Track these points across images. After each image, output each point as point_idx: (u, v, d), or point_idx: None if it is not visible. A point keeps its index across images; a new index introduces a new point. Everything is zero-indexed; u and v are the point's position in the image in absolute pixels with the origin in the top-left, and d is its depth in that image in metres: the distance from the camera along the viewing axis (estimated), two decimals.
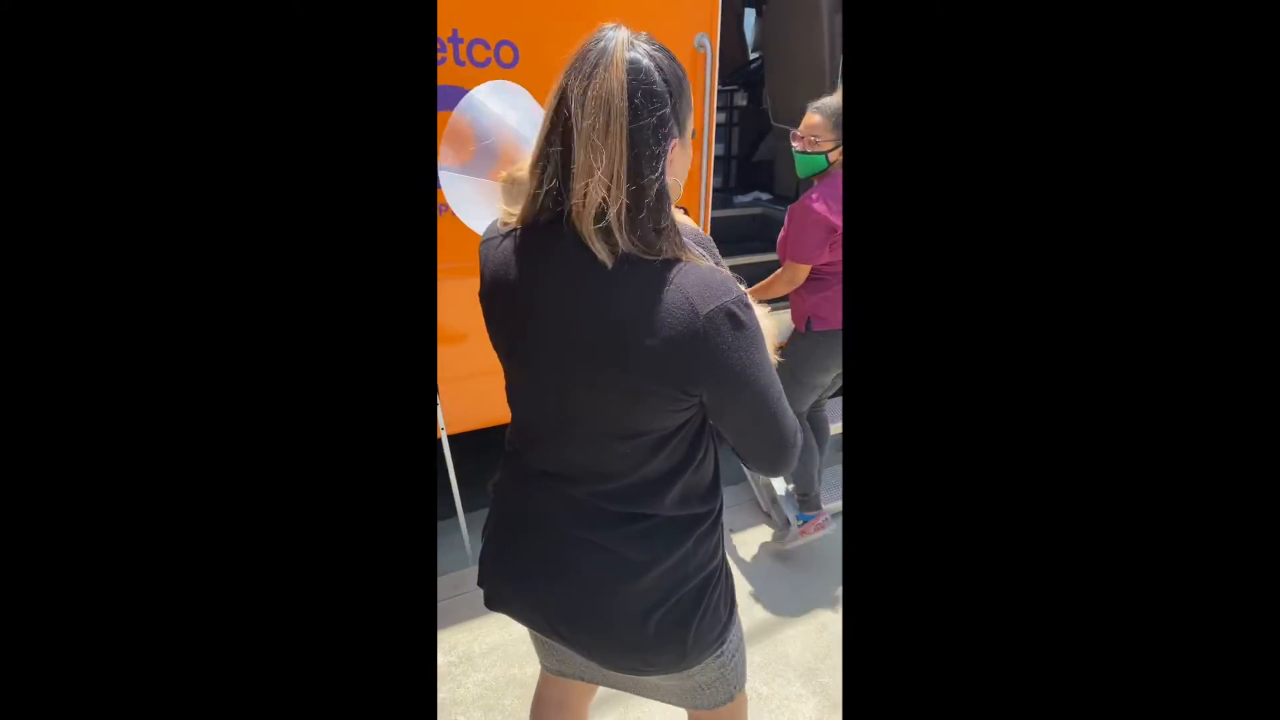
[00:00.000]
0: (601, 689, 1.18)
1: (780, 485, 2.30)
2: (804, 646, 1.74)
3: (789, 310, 1.98)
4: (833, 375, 1.97)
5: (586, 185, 0.63)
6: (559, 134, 0.65)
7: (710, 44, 1.88)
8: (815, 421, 2.09)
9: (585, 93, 0.63)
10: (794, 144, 1.77)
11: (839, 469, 2.48)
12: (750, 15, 4.11)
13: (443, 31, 1.57)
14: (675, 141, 0.68)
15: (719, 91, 3.60)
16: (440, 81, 1.56)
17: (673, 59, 0.68)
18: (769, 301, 1.43)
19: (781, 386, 0.74)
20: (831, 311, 1.83)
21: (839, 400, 2.44)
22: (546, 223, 0.70)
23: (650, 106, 0.64)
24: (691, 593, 0.80)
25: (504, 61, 1.67)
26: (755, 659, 1.70)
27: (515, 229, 0.73)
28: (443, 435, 1.88)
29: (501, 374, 0.81)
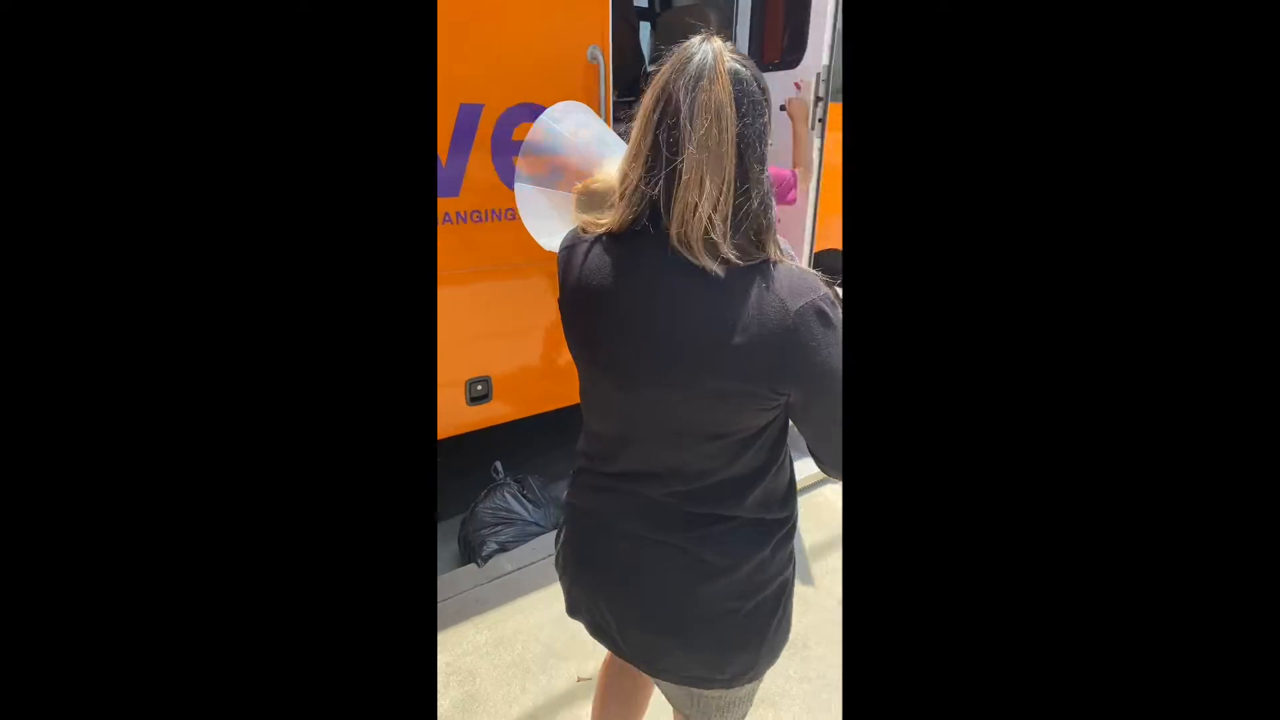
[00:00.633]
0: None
1: None
2: None
3: None
4: None
5: (699, 193, 0.65)
6: (665, 144, 0.67)
7: (603, 56, 1.90)
8: None
9: (694, 105, 0.65)
10: None
11: None
12: (645, 28, 4.18)
13: None
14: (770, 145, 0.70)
15: (620, 103, 3.65)
16: None
17: (757, 69, 0.70)
18: None
19: None
20: None
21: None
22: (640, 229, 0.70)
23: (754, 113, 0.67)
24: (769, 599, 0.80)
25: None
26: None
27: (601, 236, 0.74)
28: None
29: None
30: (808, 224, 2.18)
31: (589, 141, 0.96)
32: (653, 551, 0.79)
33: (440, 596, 1.92)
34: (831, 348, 0.68)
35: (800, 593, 1.90)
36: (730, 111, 0.65)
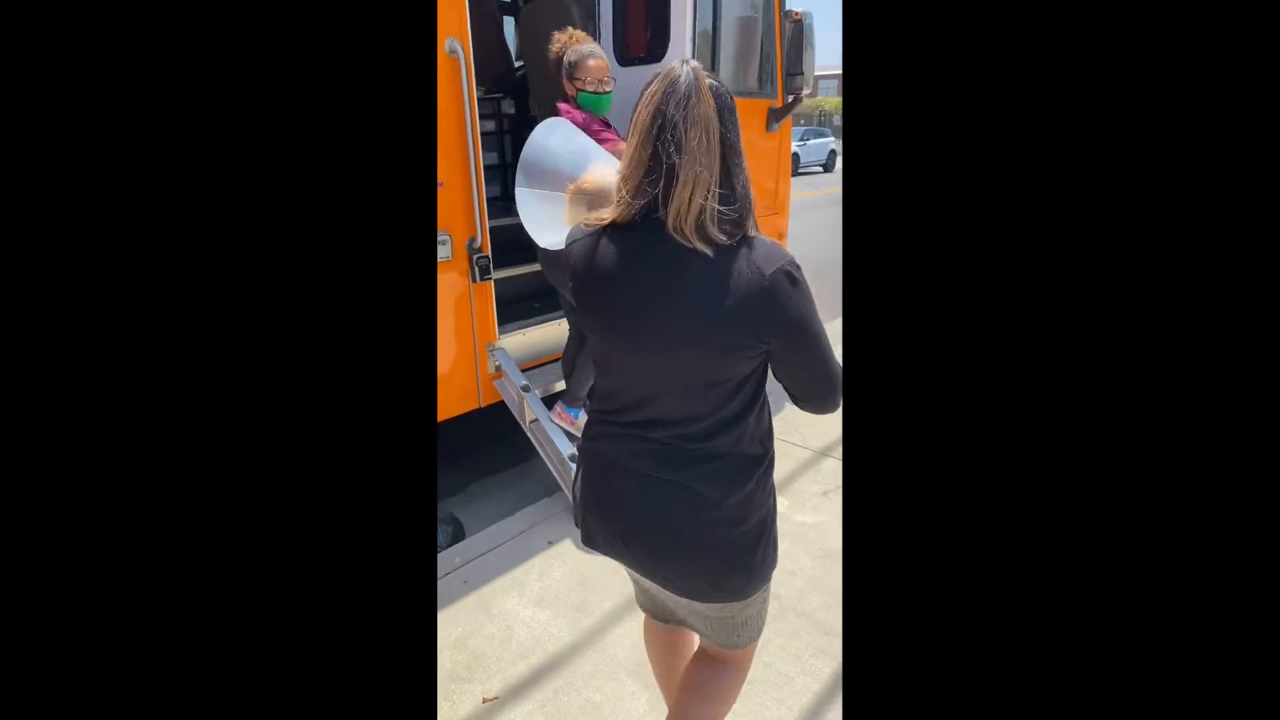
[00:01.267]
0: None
1: None
2: (632, 644, 1.76)
3: None
4: None
5: (691, 190, 0.81)
6: (664, 151, 0.82)
7: (462, 49, 1.82)
8: None
9: (686, 118, 0.81)
10: (585, 88, 1.99)
11: None
12: (510, 23, 4.08)
13: None
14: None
15: (488, 99, 3.54)
16: None
17: (722, 83, 0.87)
18: None
19: (828, 338, 0.90)
20: None
21: None
22: (640, 221, 0.86)
23: (731, 121, 0.85)
24: (755, 525, 0.97)
25: None
26: (585, 668, 1.68)
27: (605, 229, 0.89)
28: None
29: None
30: None
31: (575, 151, 1.14)
32: (658, 487, 0.94)
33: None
34: (800, 303, 0.85)
35: None
36: (715, 123, 0.83)
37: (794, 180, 5.43)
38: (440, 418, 2.13)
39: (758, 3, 2.84)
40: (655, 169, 0.83)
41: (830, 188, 13.23)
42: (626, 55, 2.53)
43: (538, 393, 2.47)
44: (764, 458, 0.97)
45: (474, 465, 2.93)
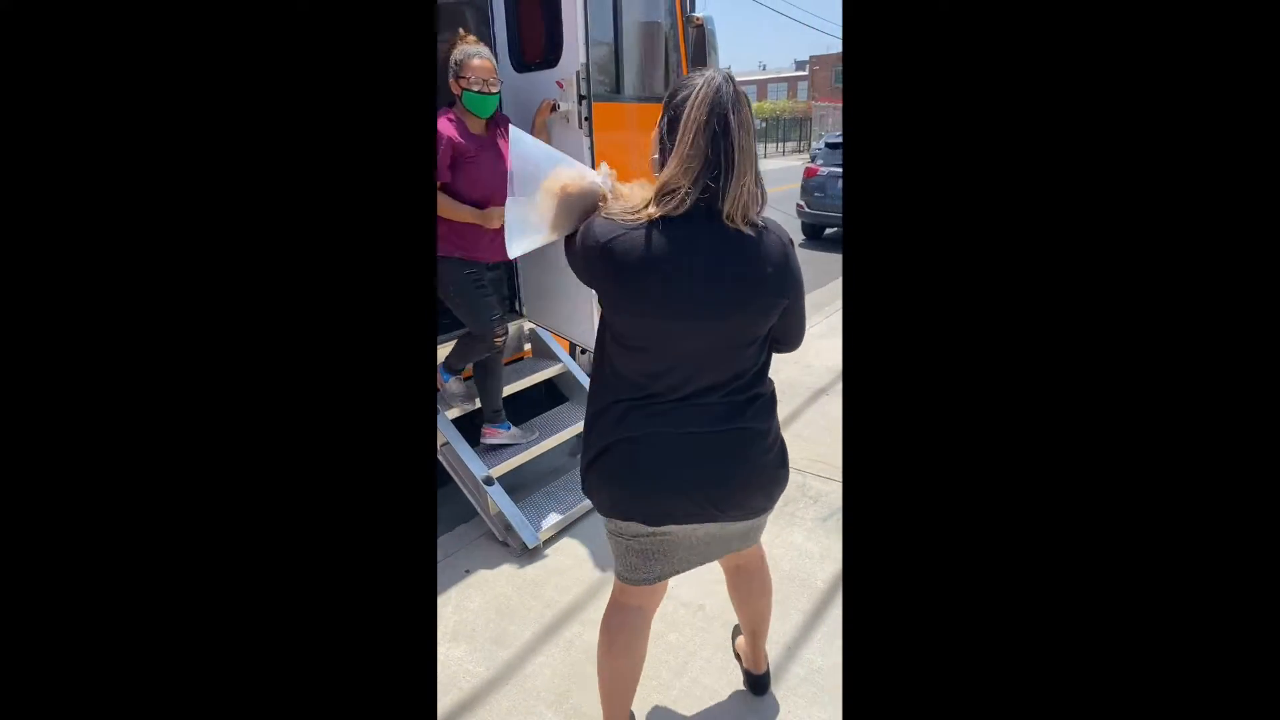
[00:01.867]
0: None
1: (514, 511, 2.22)
2: (553, 672, 1.69)
3: None
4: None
5: (744, 180, 1.00)
6: (717, 150, 0.98)
7: None
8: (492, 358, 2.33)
9: (740, 121, 0.99)
10: (470, 88, 1.95)
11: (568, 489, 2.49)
12: None
13: None
14: None
15: None
16: None
17: None
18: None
19: None
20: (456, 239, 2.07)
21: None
22: (692, 210, 1.01)
23: (754, 125, 1.04)
24: (781, 449, 1.20)
25: None
26: (502, 705, 1.60)
27: (650, 222, 1.01)
28: None
29: None
30: None
31: (544, 156, 1.20)
32: (730, 435, 1.12)
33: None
34: (799, 267, 1.10)
35: (563, 634, 1.88)
36: (751, 122, 1.02)
37: None
38: None
39: (659, 8, 2.83)
40: (715, 165, 0.98)
41: None
42: (523, 61, 2.46)
43: (447, 414, 2.36)
44: (774, 393, 1.21)
45: None
